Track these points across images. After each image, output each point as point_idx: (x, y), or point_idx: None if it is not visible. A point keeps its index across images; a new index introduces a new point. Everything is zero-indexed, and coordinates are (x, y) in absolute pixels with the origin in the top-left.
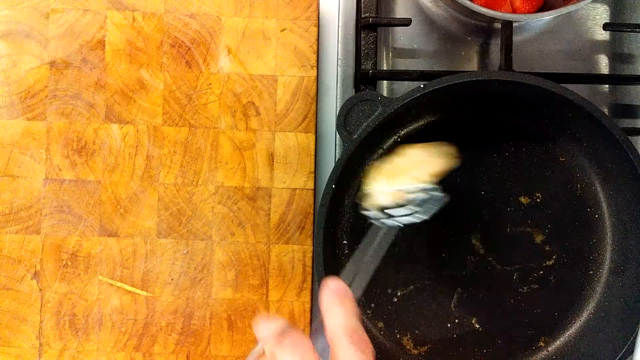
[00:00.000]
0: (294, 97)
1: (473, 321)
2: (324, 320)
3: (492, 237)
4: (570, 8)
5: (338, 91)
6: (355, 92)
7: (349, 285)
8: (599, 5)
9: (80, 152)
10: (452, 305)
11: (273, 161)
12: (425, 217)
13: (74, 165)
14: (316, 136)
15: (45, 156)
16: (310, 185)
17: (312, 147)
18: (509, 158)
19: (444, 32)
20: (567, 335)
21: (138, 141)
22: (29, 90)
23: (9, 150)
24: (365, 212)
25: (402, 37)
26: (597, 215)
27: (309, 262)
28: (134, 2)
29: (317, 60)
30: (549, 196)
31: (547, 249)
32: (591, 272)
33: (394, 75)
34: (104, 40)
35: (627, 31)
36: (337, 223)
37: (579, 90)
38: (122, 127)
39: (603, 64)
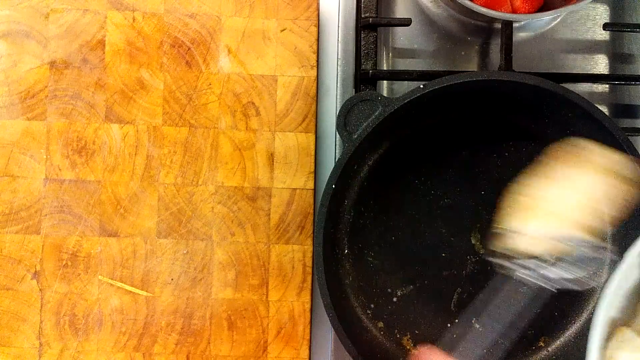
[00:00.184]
0: (294, 97)
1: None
2: None
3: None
4: (570, 8)
5: (338, 91)
6: (355, 92)
7: None
8: (599, 5)
9: (80, 152)
10: (452, 305)
11: (273, 161)
12: (582, 276)
13: (74, 165)
14: (316, 136)
15: (45, 156)
16: (310, 185)
17: (312, 147)
18: (509, 158)
19: (444, 32)
20: (567, 335)
21: (138, 141)
22: (29, 90)
23: (9, 150)
24: (493, 259)
25: (402, 37)
26: None
27: (309, 262)
28: (134, 2)
29: (317, 60)
30: None
31: None
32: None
33: (394, 75)
34: (104, 40)
35: (627, 31)
36: (337, 223)
37: (579, 90)
38: (122, 127)
39: (603, 64)
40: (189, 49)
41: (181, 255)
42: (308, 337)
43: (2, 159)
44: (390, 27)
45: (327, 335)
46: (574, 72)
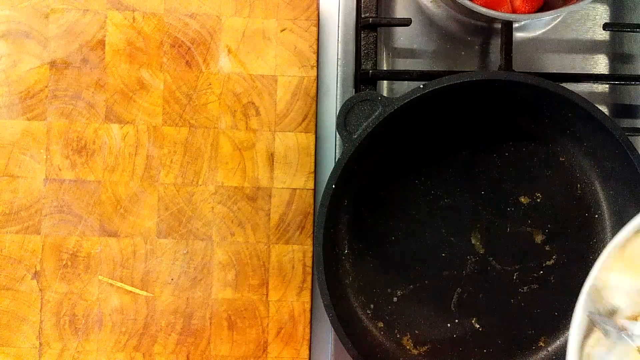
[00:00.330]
0: (294, 97)
1: (473, 321)
2: None
3: (492, 237)
4: (570, 8)
5: (338, 91)
6: (355, 92)
7: None
8: (599, 5)
9: (80, 152)
10: (452, 305)
11: (273, 161)
12: None
13: (74, 165)
14: (316, 136)
15: (45, 156)
16: (310, 185)
17: (312, 147)
18: (509, 158)
19: (444, 32)
20: (567, 335)
21: (138, 141)
22: (29, 90)
23: (9, 150)
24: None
25: (402, 37)
26: (597, 215)
27: (309, 262)
28: (134, 2)
29: (317, 60)
30: (549, 196)
31: (547, 249)
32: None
33: (394, 75)
34: (104, 40)
35: (627, 31)
36: (337, 223)
37: (579, 90)
38: (122, 127)
39: (603, 64)
40: (189, 49)
41: (181, 255)
42: (308, 337)
43: (2, 159)
44: (390, 27)
45: (327, 335)
46: (574, 72)
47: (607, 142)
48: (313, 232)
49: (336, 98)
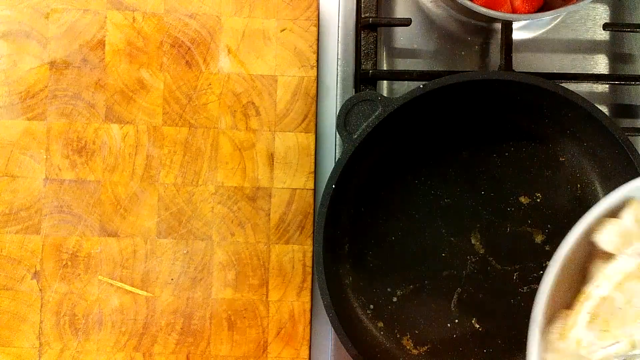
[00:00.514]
0: (294, 97)
1: (473, 321)
2: None
3: (492, 237)
4: (570, 8)
5: (338, 91)
6: (355, 92)
7: None
8: (599, 5)
9: (80, 152)
10: (452, 305)
11: (273, 161)
12: None
13: (74, 165)
14: (316, 136)
15: (45, 156)
16: (310, 185)
17: (312, 147)
18: (509, 158)
19: (444, 32)
20: None
21: (138, 141)
22: (29, 90)
23: (9, 150)
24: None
25: (402, 37)
26: None
27: (309, 262)
28: (134, 2)
29: (317, 60)
30: (549, 196)
31: (547, 249)
32: None
33: (394, 75)
34: (104, 40)
35: (627, 31)
36: (337, 223)
37: (579, 90)
38: (122, 127)
39: (603, 64)
40: (189, 49)
41: (181, 255)
42: (308, 337)
43: (2, 159)
44: (390, 27)
45: (327, 335)
46: (574, 72)
47: (607, 142)
48: (313, 232)
49: (336, 98)
